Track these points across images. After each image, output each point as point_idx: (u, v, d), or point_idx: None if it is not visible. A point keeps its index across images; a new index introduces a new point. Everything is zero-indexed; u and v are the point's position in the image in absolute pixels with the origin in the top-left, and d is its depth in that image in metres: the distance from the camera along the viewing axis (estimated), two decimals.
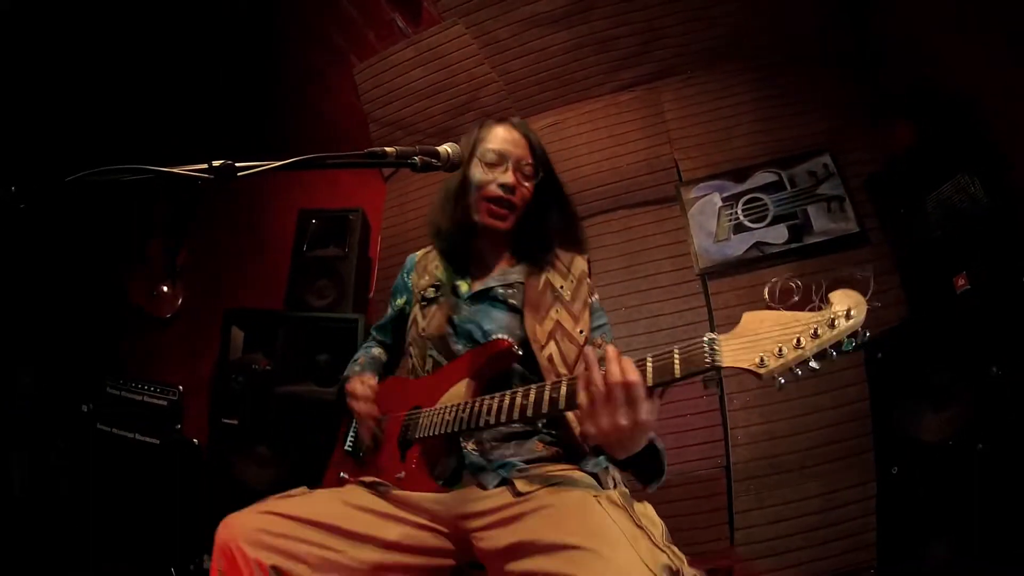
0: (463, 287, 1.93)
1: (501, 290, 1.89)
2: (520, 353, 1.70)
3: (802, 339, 1.12)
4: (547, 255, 1.95)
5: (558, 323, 1.79)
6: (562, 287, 1.88)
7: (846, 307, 1.12)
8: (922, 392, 2.57)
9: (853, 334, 1.13)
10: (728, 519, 3.15)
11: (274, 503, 1.53)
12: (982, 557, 2.21)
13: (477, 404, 1.55)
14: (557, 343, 1.76)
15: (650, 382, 1.24)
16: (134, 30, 3.73)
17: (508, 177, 1.89)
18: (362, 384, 1.87)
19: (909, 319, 2.99)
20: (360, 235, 4.06)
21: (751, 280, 3.48)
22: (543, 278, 1.89)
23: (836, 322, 1.12)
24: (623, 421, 1.24)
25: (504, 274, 1.94)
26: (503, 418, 1.47)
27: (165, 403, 3.58)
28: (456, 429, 1.57)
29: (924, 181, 3.02)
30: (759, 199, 3.59)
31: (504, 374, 1.73)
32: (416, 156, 1.47)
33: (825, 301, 1.16)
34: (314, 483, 1.79)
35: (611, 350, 1.29)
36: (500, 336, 1.77)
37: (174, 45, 3.88)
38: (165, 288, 4.46)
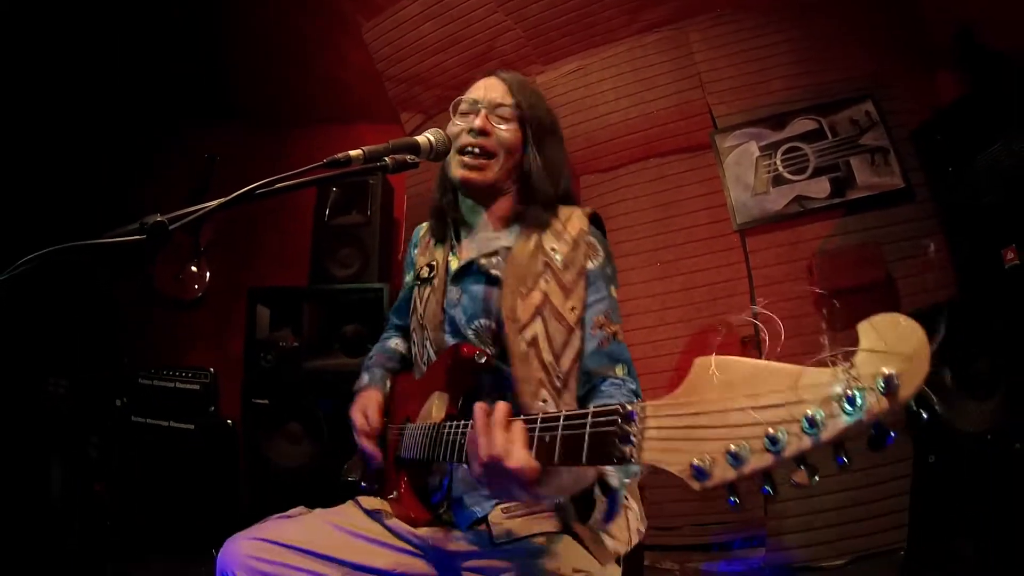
0: (453, 264, 1.70)
1: (484, 260, 1.63)
2: (483, 362, 1.44)
3: (781, 434, 0.64)
4: (541, 211, 1.65)
5: (546, 297, 1.54)
6: (554, 250, 1.60)
7: (883, 369, 0.59)
8: (964, 377, 2.37)
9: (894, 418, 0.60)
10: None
11: (272, 526, 1.51)
12: (1001, 566, 2.08)
13: (438, 433, 1.37)
14: (545, 322, 1.53)
15: (535, 466, 1.01)
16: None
17: (478, 121, 1.65)
18: (364, 417, 1.67)
19: (958, 299, 2.81)
20: (382, 199, 3.96)
21: (791, 237, 3.32)
22: (534, 240, 1.62)
23: (857, 400, 0.60)
24: (516, 493, 1.08)
25: (489, 240, 1.68)
26: (452, 458, 1.30)
27: (198, 387, 3.56)
28: (426, 457, 1.41)
29: (975, 138, 2.76)
30: (799, 148, 3.38)
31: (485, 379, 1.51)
32: (386, 156, 1.30)
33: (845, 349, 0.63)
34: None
35: (499, 411, 1.07)
36: (467, 338, 1.57)
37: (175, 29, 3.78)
38: (193, 268, 4.42)
